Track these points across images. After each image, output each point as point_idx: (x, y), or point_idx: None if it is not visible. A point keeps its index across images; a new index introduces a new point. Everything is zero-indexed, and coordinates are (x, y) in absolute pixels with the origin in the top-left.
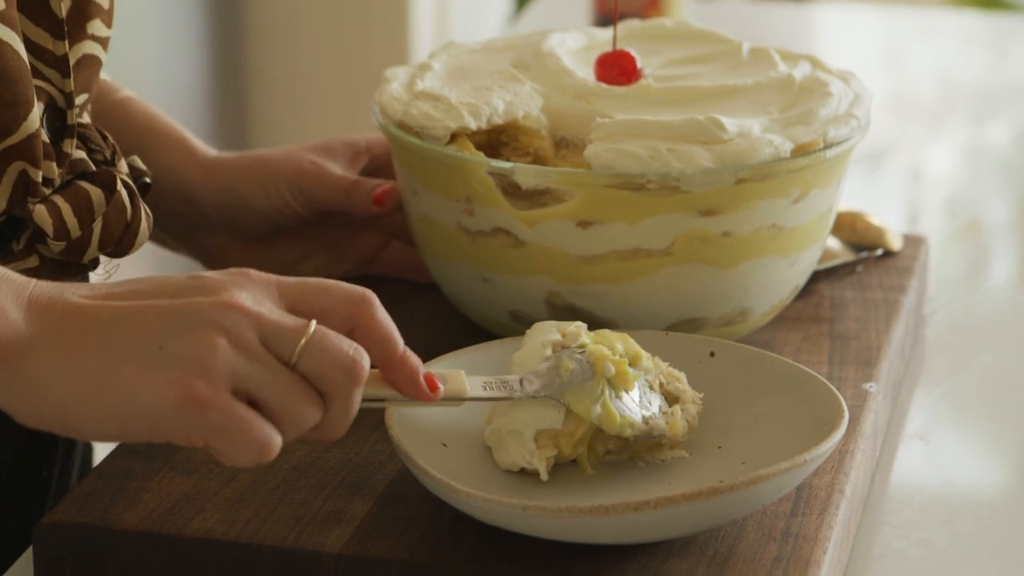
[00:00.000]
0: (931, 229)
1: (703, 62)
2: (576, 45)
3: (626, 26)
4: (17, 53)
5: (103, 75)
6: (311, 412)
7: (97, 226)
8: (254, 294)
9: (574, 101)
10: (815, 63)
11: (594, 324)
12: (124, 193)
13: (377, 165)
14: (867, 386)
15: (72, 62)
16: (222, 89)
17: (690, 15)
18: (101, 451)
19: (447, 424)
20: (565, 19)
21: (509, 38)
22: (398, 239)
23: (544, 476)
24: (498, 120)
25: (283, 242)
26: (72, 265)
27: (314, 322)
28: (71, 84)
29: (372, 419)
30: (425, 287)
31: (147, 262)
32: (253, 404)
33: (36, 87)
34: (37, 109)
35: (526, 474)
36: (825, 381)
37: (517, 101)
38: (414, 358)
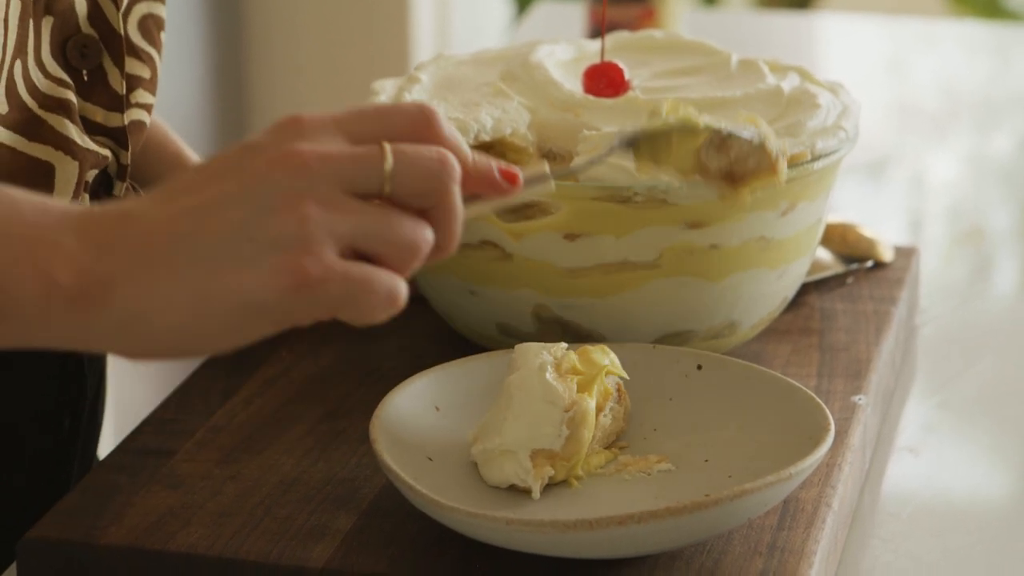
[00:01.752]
0: (933, 238)
1: (692, 74)
2: (565, 57)
3: (615, 38)
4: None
5: None
6: (422, 235)
7: None
8: (314, 138)
9: (562, 113)
10: (803, 75)
11: (581, 337)
12: None
13: None
14: (856, 398)
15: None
16: (221, 98)
17: (686, 25)
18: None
19: (432, 439)
20: (561, 30)
21: (498, 50)
22: None
23: (536, 495)
24: (486, 137)
25: None
26: None
27: (387, 144)
28: (128, 156)
29: (358, 433)
30: (413, 299)
31: None
32: (363, 255)
33: (91, 152)
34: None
35: (513, 490)
36: (812, 394)
37: (505, 118)
38: (484, 159)
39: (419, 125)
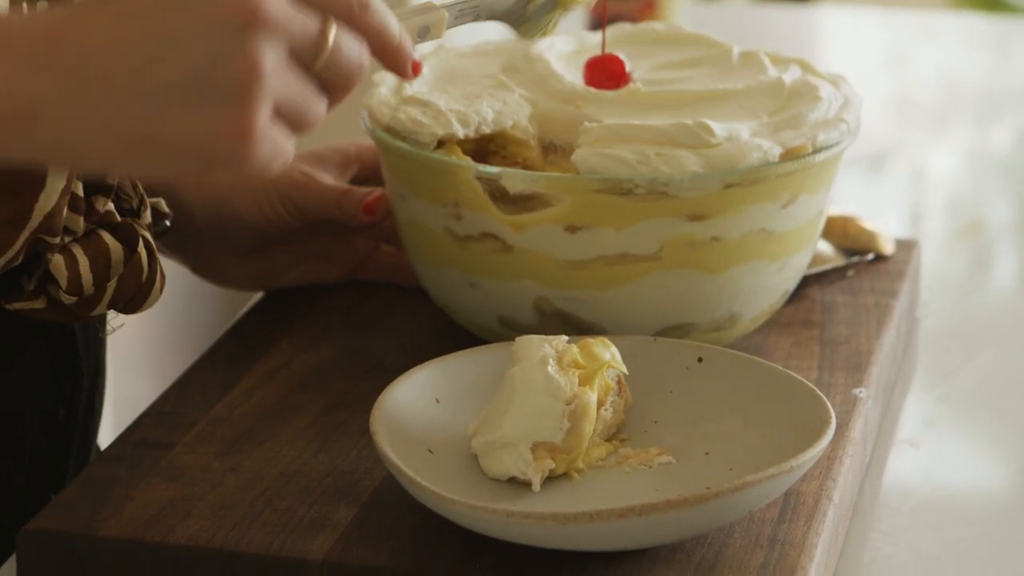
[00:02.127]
0: (932, 231)
1: (693, 66)
2: (566, 49)
3: (616, 30)
4: None
5: None
6: (319, 111)
7: (111, 285)
8: None
9: (563, 106)
10: (805, 67)
11: (582, 329)
12: (144, 254)
13: (368, 172)
14: (857, 391)
15: None
16: None
17: (686, 18)
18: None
19: (433, 431)
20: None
21: (499, 42)
22: (389, 243)
23: (537, 487)
24: (486, 129)
25: (274, 250)
26: (78, 315)
27: (334, 29)
28: None
29: (358, 425)
30: (415, 291)
31: None
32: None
33: None
34: (56, 184)
35: (513, 482)
36: (813, 387)
37: (506, 110)
38: (407, 46)
39: (355, 9)
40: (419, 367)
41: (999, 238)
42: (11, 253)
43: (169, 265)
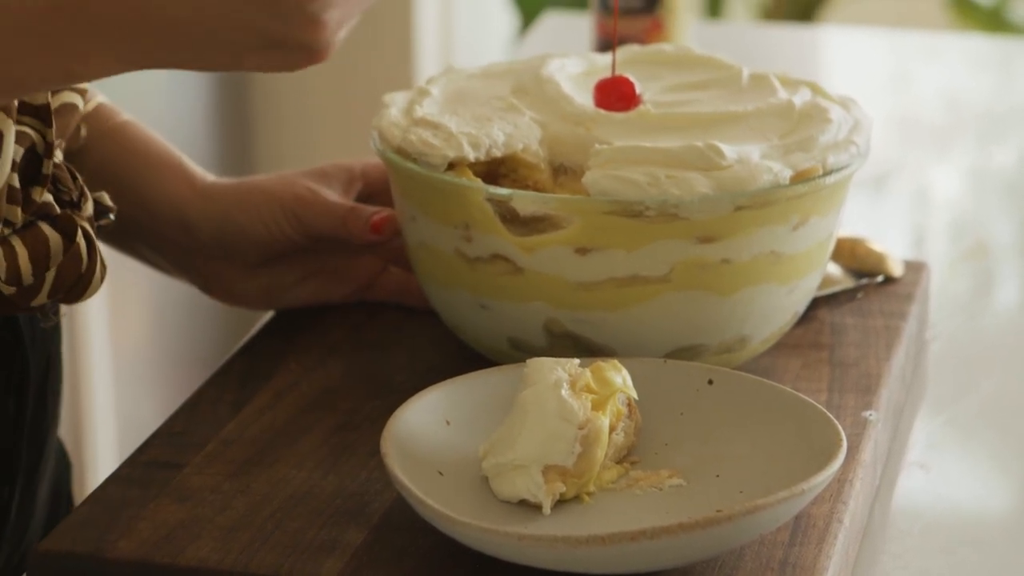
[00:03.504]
0: (936, 252)
1: (703, 88)
2: (576, 70)
3: (626, 51)
4: None
5: (102, 98)
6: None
7: (50, 275)
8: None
9: (573, 128)
10: (815, 89)
11: (592, 351)
12: (83, 244)
13: (373, 190)
14: (867, 414)
15: (53, 108)
16: (225, 113)
17: (693, 39)
18: (84, 476)
19: (443, 453)
20: (567, 42)
21: (508, 63)
22: (396, 264)
23: (547, 510)
24: (497, 152)
25: (280, 267)
26: (16, 306)
27: None
28: (53, 133)
29: (368, 447)
30: (423, 312)
31: (148, 282)
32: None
33: (17, 132)
34: (8, 159)
35: (524, 505)
36: (823, 410)
37: (517, 133)
38: None
39: None
40: (429, 389)
41: (1003, 259)
42: None
43: (173, 284)
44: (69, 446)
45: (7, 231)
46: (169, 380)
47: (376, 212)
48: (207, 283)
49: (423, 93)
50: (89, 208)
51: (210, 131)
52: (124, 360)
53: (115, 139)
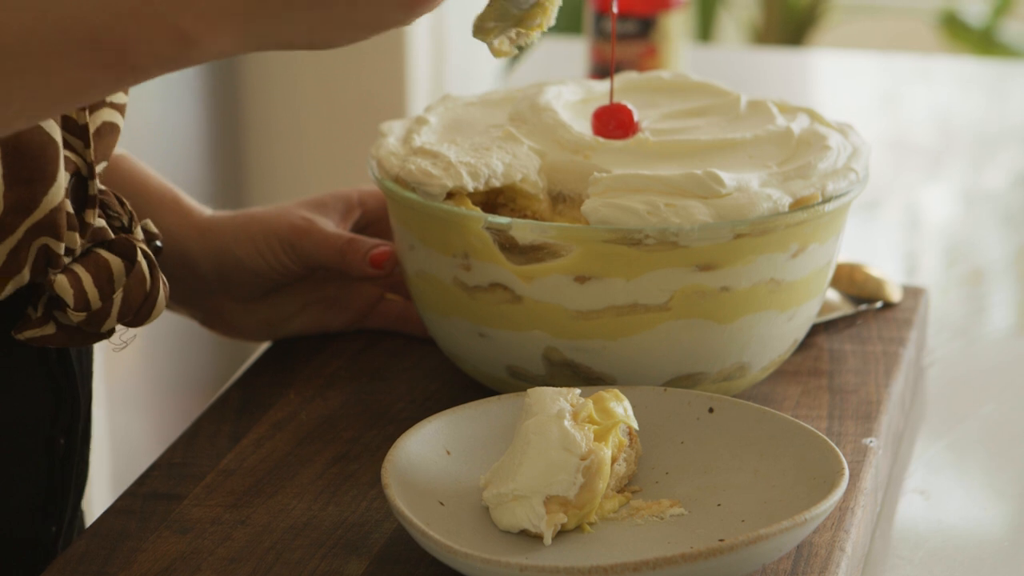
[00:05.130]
0: (929, 275)
1: (701, 115)
2: (573, 98)
3: (623, 78)
4: (40, 127)
5: None
6: None
7: (118, 297)
8: None
9: (571, 156)
10: (813, 116)
11: (592, 380)
12: (144, 263)
13: (370, 219)
14: (867, 441)
15: (92, 130)
16: (220, 143)
17: (688, 64)
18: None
19: (444, 483)
20: (562, 67)
21: (506, 91)
22: (395, 292)
23: (548, 541)
24: (496, 183)
25: (279, 298)
26: (88, 334)
27: None
28: (92, 154)
29: (368, 477)
30: (422, 340)
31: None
32: None
33: (64, 157)
34: (63, 180)
35: (524, 535)
36: (825, 438)
37: (516, 163)
38: None
39: None
40: (429, 419)
41: (996, 281)
42: (12, 243)
43: (174, 315)
44: None
45: (67, 260)
46: (163, 407)
47: (375, 245)
48: (207, 318)
49: (421, 122)
50: (139, 232)
51: (203, 160)
52: (118, 387)
53: (110, 175)
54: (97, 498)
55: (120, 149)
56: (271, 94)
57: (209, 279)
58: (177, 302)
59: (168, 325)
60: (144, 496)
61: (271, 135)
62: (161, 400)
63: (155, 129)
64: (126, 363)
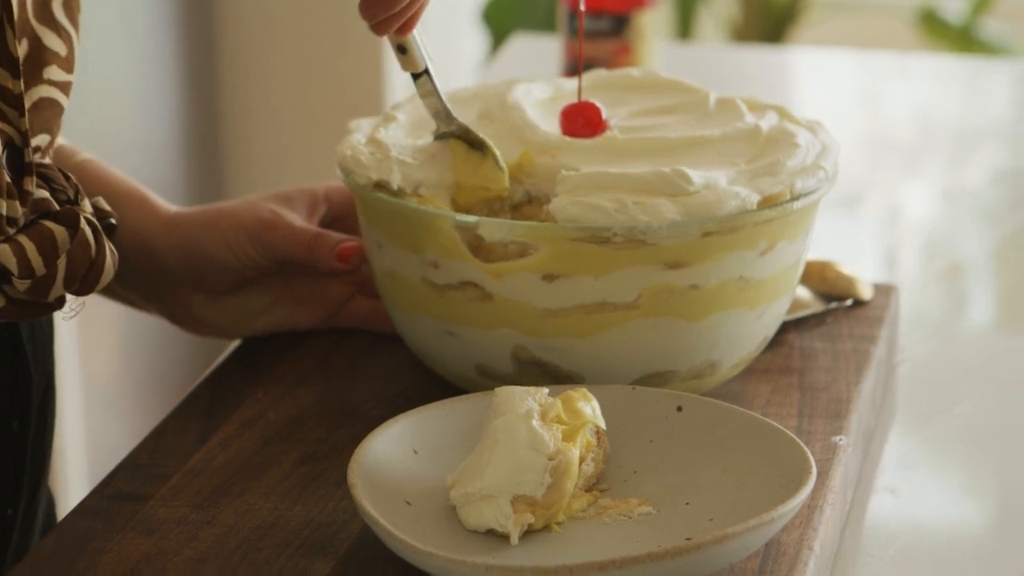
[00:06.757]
0: (908, 272)
1: (670, 113)
2: (542, 96)
3: (592, 76)
4: None
5: (61, 140)
6: None
7: (62, 263)
8: None
9: (538, 155)
10: (782, 113)
11: (560, 378)
12: (88, 231)
13: (337, 213)
14: (837, 439)
15: (29, 104)
16: (196, 141)
17: (662, 61)
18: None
19: (410, 483)
20: (537, 64)
21: (475, 88)
22: (364, 292)
23: (515, 540)
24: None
25: (249, 293)
26: (38, 304)
27: None
28: (26, 123)
29: (336, 476)
30: (392, 339)
31: (118, 309)
32: None
33: None
34: None
35: (491, 535)
36: (793, 436)
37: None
38: None
39: None
40: (396, 418)
41: (974, 278)
42: None
43: (150, 316)
44: None
45: (11, 231)
46: (139, 408)
47: (342, 240)
48: (174, 312)
49: (389, 119)
50: (88, 206)
51: (179, 156)
52: (94, 388)
53: (77, 176)
54: (74, 498)
55: (89, 153)
56: (248, 91)
57: (177, 273)
58: (146, 299)
59: (145, 325)
60: (109, 497)
61: (248, 133)
62: (138, 400)
63: (131, 126)
64: (103, 363)
